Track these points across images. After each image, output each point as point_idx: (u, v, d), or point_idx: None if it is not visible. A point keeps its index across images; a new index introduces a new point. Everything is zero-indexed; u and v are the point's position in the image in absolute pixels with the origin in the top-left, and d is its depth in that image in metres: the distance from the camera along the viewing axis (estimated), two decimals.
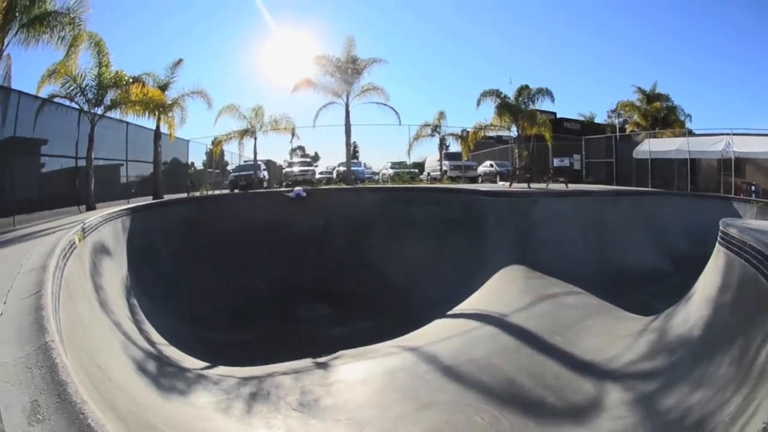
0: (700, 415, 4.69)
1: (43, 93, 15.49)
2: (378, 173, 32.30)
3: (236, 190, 23.04)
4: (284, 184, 26.12)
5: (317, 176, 28.05)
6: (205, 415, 6.34)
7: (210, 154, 27.45)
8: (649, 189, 19.18)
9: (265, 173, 27.21)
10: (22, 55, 13.26)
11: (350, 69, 23.23)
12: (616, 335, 8.36)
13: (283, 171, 28.78)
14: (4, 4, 11.65)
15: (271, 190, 23.51)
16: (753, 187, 19.32)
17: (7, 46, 12.26)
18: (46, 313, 4.12)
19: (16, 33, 12.16)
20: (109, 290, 9.19)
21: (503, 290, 11.57)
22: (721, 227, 7.18)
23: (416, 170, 30.89)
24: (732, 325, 5.56)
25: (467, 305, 11.51)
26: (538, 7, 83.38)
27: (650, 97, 28.25)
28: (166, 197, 19.34)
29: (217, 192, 22.97)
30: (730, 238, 6.62)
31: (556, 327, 9.04)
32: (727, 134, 20.27)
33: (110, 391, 4.66)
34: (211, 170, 29.25)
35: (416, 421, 6.33)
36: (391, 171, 29.56)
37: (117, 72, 16.89)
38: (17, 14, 11.96)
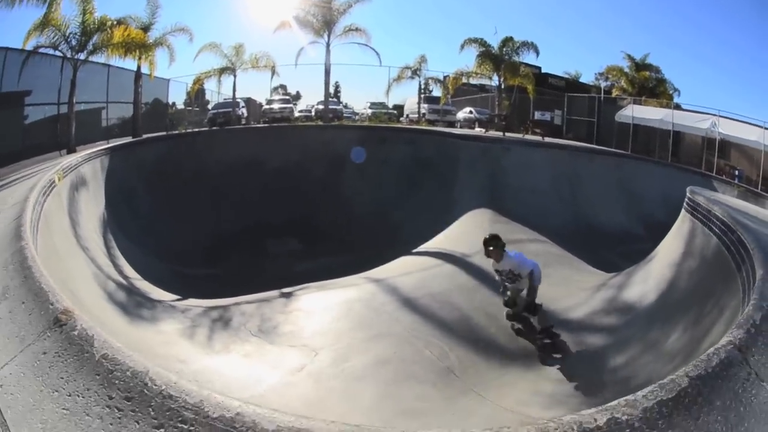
0: (645, 378, 4.60)
1: (29, 46, 15.58)
2: (358, 113, 32.00)
3: (214, 127, 22.96)
4: (262, 121, 26.15)
5: (296, 114, 27.94)
6: (170, 340, 6.64)
7: (190, 93, 27.12)
8: (628, 153, 19.31)
9: (244, 110, 26.80)
10: (7, 15, 13.31)
11: (332, 10, 22.94)
12: (575, 287, 8.55)
13: (262, 108, 28.62)
14: None
15: (248, 127, 23.74)
16: (737, 172, 19.06)
17: None
18: (24, 229, 4.69)
19: None
20: (86, 226, 9.41)
21: (468, 231, 11.63)
22: (687, 194, 7.17)
23: (394, 111, 30.62)
24: (689, 292, 5.59)
25: (432, 244, 11.73)
26: None
27: (639, 65, 27.84)
28: (145, 137, 19.31)
29: (195, 129, 22.74)
30: (695, 205, 6.62)
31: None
32: (714, 115, 20.14)
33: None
34: (191, 109, 28.99)
35: (367, 349, 6.58)
36: (369, 111, 29.35)
37: (101, 17, 16.82)
38: None
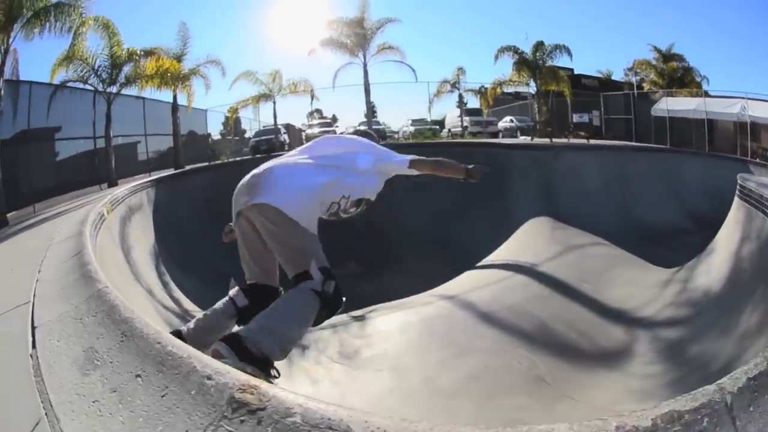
0: (725, 361, 4.79)
1: (57, 80, 15.58)
2: (398, 132, 31.94)
3: (258, 155, 22.95)
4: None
5: None
6: (249, 376, 6.39)
7: (227, 123, 27.29)
8: (669, 147, 18.88)
9: (286, 136, 26.97)
10: (27, 47, 13.35)
11: (365, 29, 22.90)
12: (642, 285, 8.49)
13: (303, 133, 28.55)
14: (6, 4, 11.62)
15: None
16: None
17: (13, 41, 12.23)
18: (93, 267, 3.65)
19: (21, 28, 12.20)
20: (139, 259, 9.27)
21: (531, 241, 11.68)
22: (739, 181, 7.28)
23: (437, 127, 30.44)
24: (753, 274, 5.66)
25: (496, 256, 11.57)
26: None
27: (666, 56, 27.47)
28: (189, 167, 19.28)
29: (239, 159, 22.67)
30: (748, 191, 6.74)
31: (584, 276, 9.12)
32: (743, 98, 19.68)
33: None
34: (230, 138, 29.21)
35: (456, 367, 6.41)
36: (412, 128, 29.03)
37: (129, 49, 16.85)
38: (23, 10, 11.98)
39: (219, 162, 21.46)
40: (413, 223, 15.75)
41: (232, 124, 26.41)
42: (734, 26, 67.03)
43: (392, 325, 8.37)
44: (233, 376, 1.63)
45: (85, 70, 15.83)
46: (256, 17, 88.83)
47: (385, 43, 23.48)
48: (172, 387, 1.65)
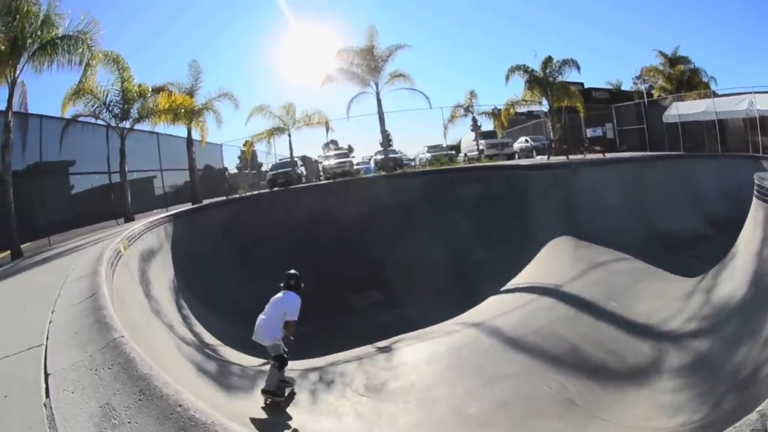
0: (752, 367, 4.78)
1: (67, 114, 15.79)
2: (414, 159, 31.81)
3: (275, 188, 23.00)
4: (322, 177, 25.93)
5: (355, 167, 27.57)
6: (272, 409, 6.29)
7: (244, 156, 27.55)
8: (682, 153, 18.70)
9: (303, 169, 27.02)
10: (36, 80, 13.31)
11: (375, 58, 22.96)
12: (668, 297, 8.37)
13: (321, 165, 28.56)
14: (11, 36, 11.76)
15: (310, 185, 23.33)
16: None
17: (20, 73, 12.37)
18: (108, 312, 3.68)
19: (28, 60, 12.29)
20: (159, 295, 9.26)
21: (554, 261, 11.54)
22: (756, 181, 7.21)
23: (453, 152, 30.47)
24: None
25: (520, 279, 11.46)
26: None
27: (672, 60, 27.68)
28: (206, 202, 19.49)
29: (256, 192, 22.75)
30: (766, 191, 6.71)
31: (610, 293, 8.99)
32: (750, 93, 19.63)
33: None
34: (246, 172, 29.39)
35: (485, 395, 6.30)
36: (428, 155, 29.09)
37: (140, 85, 17.07)
38: (28, 43, 12.07)
39: (237, 196, 21.49)
40: (435, 251, 15.65)
41: (249, 158, 26.58)
42: (736, 21, 67.17)
43: (419, 355, 8.23)
44: None
45: (96, 105, 16.07)
46: (267, 51, 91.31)
47: (396, 70, 23.53)
48: None
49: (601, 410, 5.62)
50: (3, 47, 11.55)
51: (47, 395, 2.46)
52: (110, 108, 16.35)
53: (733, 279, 7.04)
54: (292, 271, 6.57)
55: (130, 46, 72.22)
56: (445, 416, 5.88)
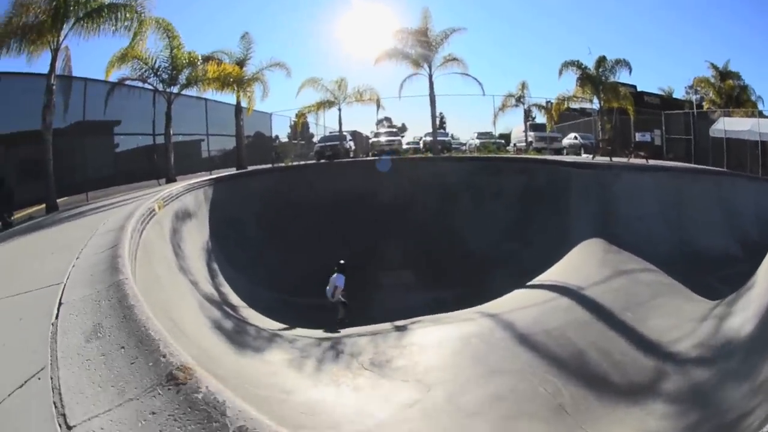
0: (741, 412, 4.78)
1: (113, 77, 16.26)
2: (465, 144, 31.66)
3: (322, 161, 23.33)
4: (371, 153, 26.20)
5: (404, 146, 27.75)
6: (277, 371, 6.71)
7: (294, 126, 27.89)
8: (724, 170, 17.97)
9: (351, 143, 27.13)
10: (82, 45, 13.73)
11: (429, 40, 22.76)
12: (684, 317, 8.27)
13: (370, 141, 28.89)
14: (53, 6, 12.31)
15: (357, 160, 23.58)
16: None
17: (64, 39, 12.90)
18: (122, 261, 4.23)
19: (72, 26, 12.77)
20: (190, 255, 9.73)
21: (582, 263, 11.46)
22: None
23: (502, 141, 30.00)
24: None
25: (547, 276, 11.46)
26: None
27: (723, 74, 26.60)
28: (251, 168, 19.92)
29: (302, 163, 23.17)
30: None
31: (628, 303, 8.93)
32: None
33: (179, 341, 4.85)
34: (296, 142, 29.82)
35: (482, 386, 6.45)
36: (477, 141, 28.86)
37: (190, 52, 17.42)
38: (71, 9, 12.56)
39: (282, 165, 21.85)
40: (472, 239, 15.80)
41: (299, 128, 26.90)
42: None
43: (429, 338, 8.44)
44: (179, 358, 2.39)
45: (144, 70, 16.54)
46: (322, 24, 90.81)
47: (450, 54, 23.28)
48: (140, 359, 2.46)
49: (588, 422, 5.70)
50: (45, 17, 12.14)
51: (56, 317, 3.15)
52: (158, 73, 16.86)
53: (745, 310, 6.95)
54: (342, 262, 11.05)
55: (182, 12, 73.07)
56: (438, 401, 6.07)
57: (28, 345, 2.87)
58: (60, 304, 3.38)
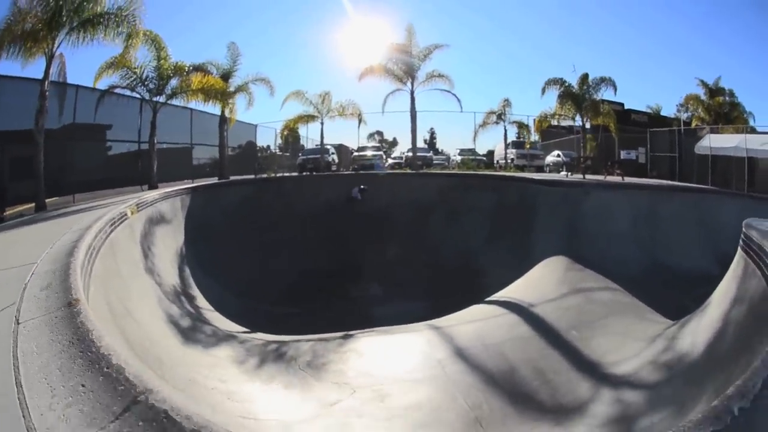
0: None
1: (102, 84, 17.21)
2: (453, 159, 32.15)
3: (304, 173, 23.82)
4: (351, 168, 26.88)
5: (388, 162, 29.08)
6: (218, 363, 7.07)
7: (285, 138, 28.44)
8: (705, 186, 18.03)
9: (334, 157, 27.98)
10: (75, 52, 14.26)
11: (413, 56, 23.23)
12: (631, 337, 8.19)
13: (352, 155, 29.48)
14: (49, 14, 12.98)
15: (336, 173, 24.43)
16: None
17: (58, 47, 13.63)
18: (77, 254, 5.44)
19: (67, 34, 13.51)
20: (160, 257, 10.22)
21: (541, 280, 11.58)
22: (743, 228, 6.32)
23: (483, 158, 30.76)
24: (730, 349, 5.02)
25: (504, 293, 11.60)
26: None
27: (713, 91, 26.90)
28: (232, 179, 20.63)
29: (281, 174, 23.96)
30: (749, 241, 5.87)
31: (576, 322, 8.97)
32: None
33: (127, 324, 5.59)
34: (280, 154, 30.35)
35: (405, 393, 6.69)
36: (458, 158, 29.65)
37: (177, 63, 18.28)
38: (65, 19, 13.26)
39: (264, 176, 22.69)
40: (443, 254, 16.11)
41: (283, 140, 27.47)
42: None
43: (369, 346, 8.73)
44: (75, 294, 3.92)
45: (132, 79, 17.35)
46: (308, 36, 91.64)
47: (434, 70, 23.83)
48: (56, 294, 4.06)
49: None
50: (40, 26, 12.79)
51: (28, 281, 4.61)
52: (146, 83, 17.64)
53: (695, 333, 6.65)
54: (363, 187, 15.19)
55: (173, 21, 74.22)
56: (358, 402, 6.33)
57: (14, 289, 4.36)
58: (32, 274, 4.85)
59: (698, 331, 6.57)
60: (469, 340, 8.54)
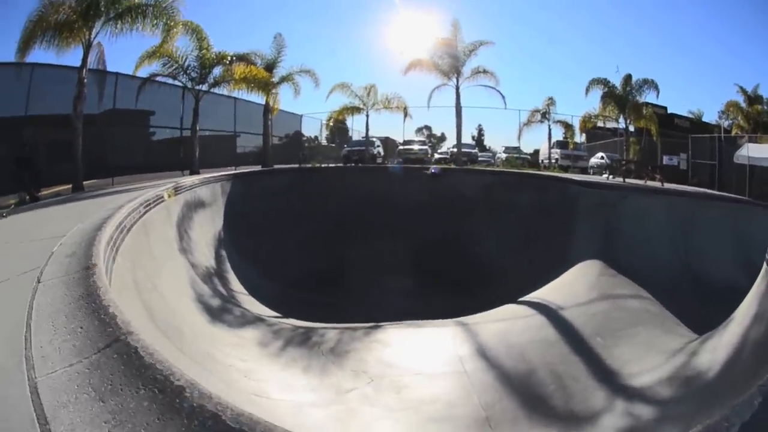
0: None
1: (143, 72, 17.73)
2: (494, 157, 32.26)
3: (349, 164, 24.09)
4: (396, 161, 26.91)
5: (436, 156, 29.02)
6: (242, 343, 7.37)
7: (331, 129, 28.72)
8: (740, 197, 17.31)
9: (380, 150, 28.18)
10: (115, 41, 14.67)
11: (458, 51, 23.13)
12: (654, 349, 8.03)
13: (398, 149, 29.67)
14: (84, 5, 13.47)
15: (379, 166, 24.59)
16: None
17: (95, 36, 14.17)
18: (104, 230, 5.77)
19: (103, 25, 14.02)
20: (197, 240, 10.62)
21: (574, 284, 11.45)
22: None
23: (528, 156, 30.47)
24: (745, 370, 4.81)
25: (536, 294, 11.53)
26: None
27: (752, 98, 25.73)
28: (275, 167, 21.07)
29: (324, 165, 24.10)
30: None
31: (602, 329, 8.84)
32: None
33: (153, 299, 5.92)
34: (326, 144, 30.70)
35: (422, 386, 6.80)
36: (503, 156, 29.53)
37: (219, 53, 18.57)
38: (102, 9, 13.75)
39: (309, 166, 22.85)
40: (482, 250, 16.13)
41: (330, 131, 27.67)
42: None
43: (396, 339, 8.84)
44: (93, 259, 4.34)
45: (174, 67, 17.76)
46: (355, 29, 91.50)
47: (479, 66, 23.66)
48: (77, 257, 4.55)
49: None
50: (74, 17, 13.28)
51: (58, 246, 5.16)
52: (187, 71, 18.03)
53: (715, 351, 6.42)
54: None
55: (218, 11, 75.47)
56: (374, 391, 6.48)
57: (41, 256, 4.70)
58: (60, 244, 5.25)
59: (718, 348, 6.37)
60: (493, 339, 8.58)
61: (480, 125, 54.93)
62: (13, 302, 3.47)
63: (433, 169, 19.45)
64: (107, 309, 3.11)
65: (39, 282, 3.90)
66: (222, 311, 8.43)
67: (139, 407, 2.07)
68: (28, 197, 11.74)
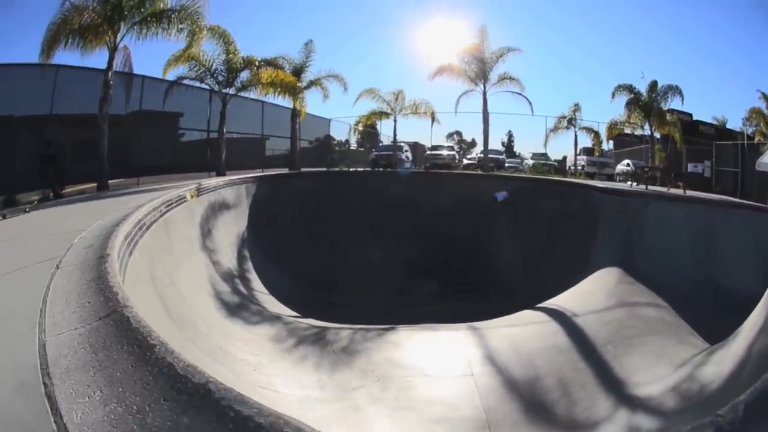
0: None
1: (171, 75, 18.14)
2: (522, 163, 32.14)
3: (377, 169, 24.35)
4: (423, 166, 27.23)
5: (464, 162, 29.36)
6: (255, 339, 7.62)
7: (363, 133, 29.01)
8: (761, 205, 16.83)
9: (408, 154, 28.25)
10: (141, 45, 15.26)
11: (485, 57, 23.18)
12: (665, 359, 7.95)
13: (426, 153, 29.81)
14: (108, 10, 13.87)
15: (409, 171, 24.62)
16: None
17: (121, 41, 14.59)
18: (122, 226, 6.08)
19: (129, 30, 14.40)
20: (219, 240, 10.92)
21: (592, 291, 11.38)
22: None
23: (555, 163, 30.32)
24: (745, 384, 4.73)
25: (555, 300, 11.49)
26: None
27: None
28: (304, 170, 21.38)
29: (351, 169, 24.48)
30: None
31: (615, 337, 8.80)
32: None
33: (170, 293, 6.23)
34: (354, 148, 30.97)
35: (427, 386, 6.91)
36: (531, 162, 29.44)
37: (246, 57, 18.91)
38: (126, 13, 14.11)
39: (336, 170, 23.30)
40: (503, 257, 16.20)
41: (358, 135, 27.96)
42: None
43: (408, 340, 8.97)
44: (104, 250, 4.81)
45: (201, 71, 18.12)
46: (382, 34, 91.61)
47: (506, 73, 23.73)
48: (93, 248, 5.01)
49: None
50: (99, 20, 13.67)
51: (78, 239, 5.55)
52: (214, 75, 18.38)
53: (719, 364, 6.41)
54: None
55: (247, 15, 76.58)
56: (380, 390, 6.62)
57: (62, 247, 5.15)
58: (80, 237, 5.67)
59: (724, 361, 6.33)
60: (504, 344, 8.63)
61: (510, 131, 54.71)
62: (34, 284, 4.00)
63: (499, 195, 18.97)
64: (112, 288, 3.65)
65: (58, 268, 4.44)
66: (239, 308, 8.72)
67: (120, 358, 2.59)
68: (51, 194, 12.30)
